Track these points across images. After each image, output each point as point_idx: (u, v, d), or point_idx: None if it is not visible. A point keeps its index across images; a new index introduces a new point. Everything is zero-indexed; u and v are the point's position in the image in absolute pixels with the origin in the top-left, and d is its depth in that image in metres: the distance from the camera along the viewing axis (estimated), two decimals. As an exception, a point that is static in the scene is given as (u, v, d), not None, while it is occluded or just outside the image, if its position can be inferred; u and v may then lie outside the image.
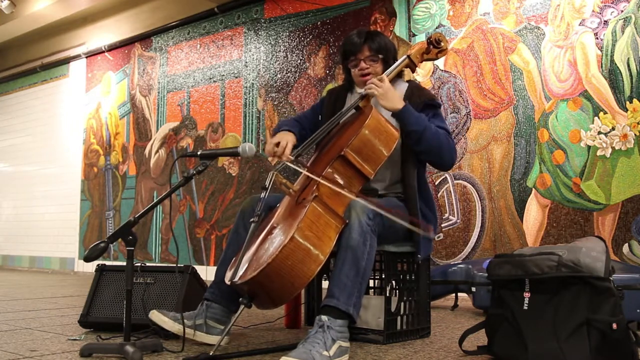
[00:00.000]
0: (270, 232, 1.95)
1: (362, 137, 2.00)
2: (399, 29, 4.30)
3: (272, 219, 2.05)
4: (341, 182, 2.00)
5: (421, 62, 2.32)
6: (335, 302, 1.82)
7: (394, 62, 2.28)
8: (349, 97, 2.40)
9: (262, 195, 2.00)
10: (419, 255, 2.18)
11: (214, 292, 2.10)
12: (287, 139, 2.19)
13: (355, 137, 1.99)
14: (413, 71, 2.31)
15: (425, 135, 2.09)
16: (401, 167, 2.21)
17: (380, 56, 2.25)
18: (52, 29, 6.92)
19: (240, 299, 1.83)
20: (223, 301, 2.08)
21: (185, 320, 1.98)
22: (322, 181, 1.94)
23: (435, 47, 2.30)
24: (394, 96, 2.12)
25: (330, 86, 4.66)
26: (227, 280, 1.90)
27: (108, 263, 2.55)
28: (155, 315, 2.01)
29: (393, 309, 2.16)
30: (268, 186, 2.01)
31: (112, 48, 6.48)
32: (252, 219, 1.93)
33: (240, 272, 1.84)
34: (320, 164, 2.07)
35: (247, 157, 2.04)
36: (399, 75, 2.32)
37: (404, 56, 2.29)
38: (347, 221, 1.91)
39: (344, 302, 1.82)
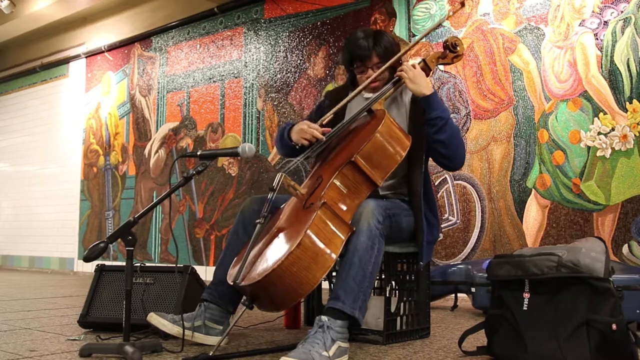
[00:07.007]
0: (276, 236, 1.91)
1: (374, 143, 1.96)
2: (399, 29, 4.30)
3: (276, 220, 2.02)
4: (349, 188, 1.97)
5: (436, 65, 2.29)
6: (340, 305, 1.81)
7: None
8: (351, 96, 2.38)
9: (270, 196, 1.96)
10: (421, 263, 2.17)
11: (212, 293, 2.09)
12: (306, 122, 2.18)
13: (367, 143, 1.95)
14: (427, 75, 2.21)
15: (450, 124, 2.10)
16: (408, 172, 2.20)
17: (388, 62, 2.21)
18: (52, 29, 6.92)
19: (242, 300, 1.82)
20: (221, 302, 2.07)
21: (184, 323, 1.97)
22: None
23: (451, 51, 2.25)
24: (424, 81, 2.12)
25: (330, 86, 4.66)
26: (230, 281, 1.89)
27: (107, 263, 2.55)
28: (154, 318, 2.00)
29: (393, 309, 2.16)
30: (276, 188, 1.97)
31: (111, 48, 6.47)
32: (258, 220, 1.90)
33: (244, 274, 1.82)
34: (329, 169, 2.02)
35: (246, 157, 2.03)
36: None
37: (420, 59, 2.24)
38: (354, 228, 1.88)
39: (350, 306, 1.81)
